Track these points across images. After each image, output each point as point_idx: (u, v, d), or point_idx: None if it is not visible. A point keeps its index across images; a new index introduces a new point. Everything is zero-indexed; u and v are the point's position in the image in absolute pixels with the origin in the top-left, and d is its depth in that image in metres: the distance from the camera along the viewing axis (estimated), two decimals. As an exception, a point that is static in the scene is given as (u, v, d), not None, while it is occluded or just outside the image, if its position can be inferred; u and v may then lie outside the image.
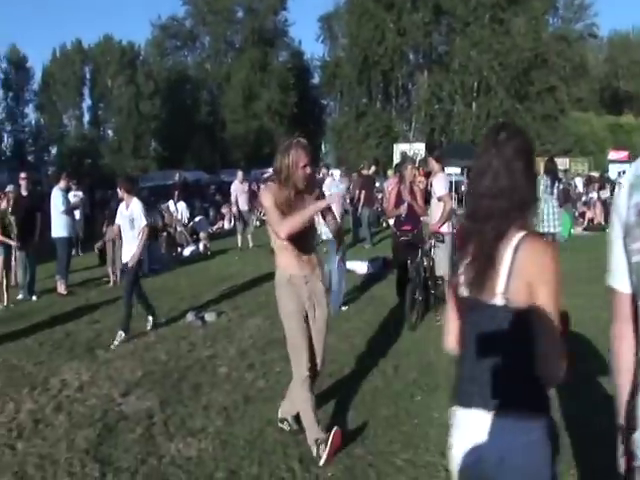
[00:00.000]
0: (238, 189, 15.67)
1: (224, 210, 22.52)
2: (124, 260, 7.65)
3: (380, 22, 45.70)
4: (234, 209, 15.91)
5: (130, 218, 7.52)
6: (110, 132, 58.95)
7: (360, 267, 11.22)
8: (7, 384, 5.94)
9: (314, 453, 4.07)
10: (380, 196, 20.44)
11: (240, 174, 16.16)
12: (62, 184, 10.93)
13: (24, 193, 10.54)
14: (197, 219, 18.05)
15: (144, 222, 7.52)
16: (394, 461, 4.09)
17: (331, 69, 53.20)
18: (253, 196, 15.87)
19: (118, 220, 7.77)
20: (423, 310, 7.84)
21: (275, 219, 4.09)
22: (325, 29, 56.52)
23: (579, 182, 26.98)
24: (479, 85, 46.05)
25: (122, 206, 7.71)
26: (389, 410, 4.93)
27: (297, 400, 4.26)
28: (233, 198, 15.72)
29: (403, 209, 7.92)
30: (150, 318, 7.87)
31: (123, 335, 7.25)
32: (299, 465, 4.05)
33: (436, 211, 7.74)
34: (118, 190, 7.88)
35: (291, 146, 4.17)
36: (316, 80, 60.68)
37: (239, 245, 15.46)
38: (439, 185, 7.71)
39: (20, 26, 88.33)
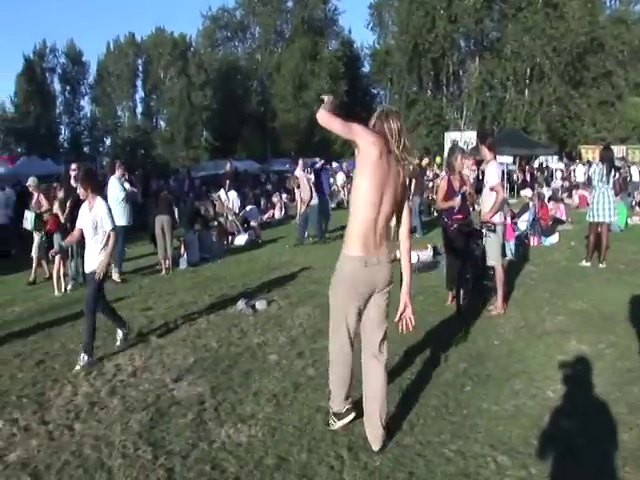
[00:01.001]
0: (304, 176, 15.45)
1: (275, 199, 22.65)
2: (87, 270, 6.52)
3: (430, 9, 45.09)
4: (305, 196, 15.40)
5: (93, 221, 6.33)
6: (162, 123, 60.03)
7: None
8: (65, 367, 6.12)
9: (380, 439, 4.07)
10: (431, 185, 20.29)
11: (302, 162, 15.97)
12: (118, 173, 11.12)
13: (74, 184, 10.56)
14: (248, 208, 18.18)
15: (110, 226, 6.37)
16: (443, 451, 4.06)
17: (381, 57, 52.90)
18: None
19: (80, 223, 6.55)
20: (474, 300, 7.75)
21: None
22: (375, 17, 56.22)
23: (635, 171, 26.21)
24: (532, 71, 45.02)
25: (84, 207, 6.51)
26: (439, 400, 4.90)
27: (383, 381, 4.11)
28: (302, 185, 15.41)
29: (458, 201, 7.69)
30: (120, 332, 6.80)
31: (86, 358, 6.15)
32: (348, 453, 4.06)
33: (488, 200, 7.56)
34: (80, 190, 6.56)
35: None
36: (366, 69, 60.53)
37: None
38: (491, 174, 7.50)
39: (76, 22, 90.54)
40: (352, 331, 4.14)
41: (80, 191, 6.53)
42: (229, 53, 58.99)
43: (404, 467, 3.87)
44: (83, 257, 10.40)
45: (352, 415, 4.35)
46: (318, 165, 15.82)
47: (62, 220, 10.03)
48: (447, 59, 47.59)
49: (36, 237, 10.99)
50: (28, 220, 10.97)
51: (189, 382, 5.53)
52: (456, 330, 6.81)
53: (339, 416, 4.38)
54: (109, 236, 6.38)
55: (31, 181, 11.70)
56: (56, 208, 10.03)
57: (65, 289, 10.08)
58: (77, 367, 6.07)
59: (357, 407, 4.32)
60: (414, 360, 5.88)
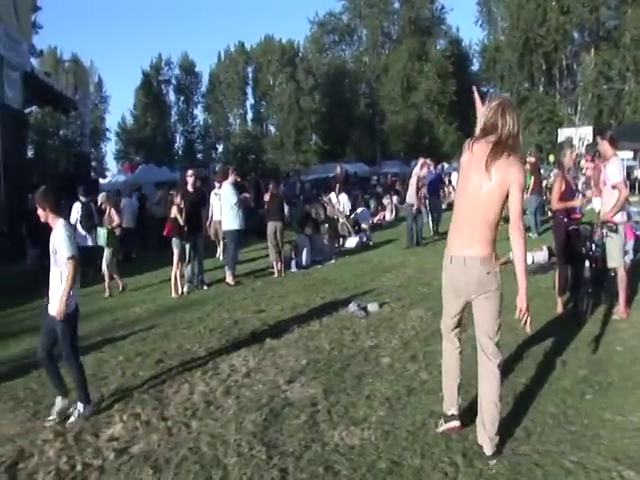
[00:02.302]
0: (419, 176, 15.01)
1: (385, 201, 22.58)
2: (50, 312, 5.15)
3: (542, 1, 43.65)
4: (410, 199, 14.91)
5: (52, 248, 5.16)
6: (272, 128, 61.34)
7: (524, 258, 10.76)
8: (182, 367, 6.33)
9: (492, 444, 3.96)
10: (545, 183, 19.66)
11: (422, 160, 15.54)
12: (231, 179, 11.40)
13: (190, 189, 11.08)
14: (359, 210, 18.22)
15: (67, 253, 5.06)
16: (563, 462, 3.88)
17: (491, 54, 51.70)
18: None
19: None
20: (593, 304, 7.40)
21: None
22: (484, 13, 55.04)
23: None
24: (655, 59, 42.54)
25: (52, 233, 5.25)
26: (557, 408, 4.70)
27: (495, 384, 3.99)
28: (411, 185, 14.90)
29: (580, 201, 7.30)
30: (80, 406, 5.18)
31: (82, 407, 5.16)
32: (462, 459, 3.96)
33: (609, 199, 7.19)
34: (39, 211, 5.24)
35: None
36: (475, 67, 59.39)
37: (431, 233, 15.65)
38: (613, 171, 7.09)
39: (189, 35, 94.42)
40: (451, 329, 4.22)
41: (39, 212, 5.26)
42: (337, 57, 59.52)
43: (521, 476, 3.73)
44: (199, 259, 10.89)
45: (455, 423, 4.26)
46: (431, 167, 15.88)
47: (182, 223, 10.37)
48: (560, 53, 45.96)
49: (107, 252, 11.00)
50: (100, 236, 11.04)
51: (302, 384, 5.58)
52: (574, 335, 6.54)
53: (446, 418, 4.33)
54: (68, 265, 5.08)
55: (101, 197, 11.73)
56: (174, 212, 10.40)
57: (182, 291, 10.44)
58: (72, 418, 5.09)
59: (471, 411, 4.23)
60: (529, 364, 5.68)
